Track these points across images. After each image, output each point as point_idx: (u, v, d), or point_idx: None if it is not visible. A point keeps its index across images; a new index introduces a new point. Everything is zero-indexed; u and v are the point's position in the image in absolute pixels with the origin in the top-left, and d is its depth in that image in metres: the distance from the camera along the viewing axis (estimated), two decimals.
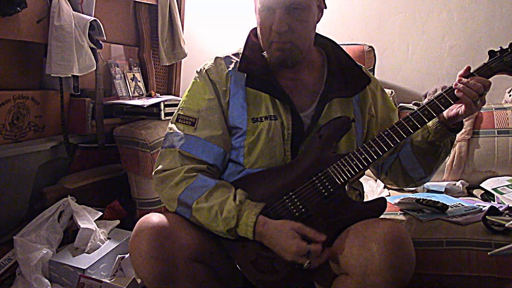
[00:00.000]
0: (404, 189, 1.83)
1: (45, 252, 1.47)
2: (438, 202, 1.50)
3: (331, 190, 1.11)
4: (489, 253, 1.26)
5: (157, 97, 2.08)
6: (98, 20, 1.66)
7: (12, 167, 1.60)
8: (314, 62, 1.27)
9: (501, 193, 1.65)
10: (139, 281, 1.43)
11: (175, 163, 1.15)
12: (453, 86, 1.13)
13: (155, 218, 1.06)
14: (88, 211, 1.64)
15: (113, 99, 1.96)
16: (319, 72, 1.27)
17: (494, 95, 2.11)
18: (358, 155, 1.12)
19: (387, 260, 0.95)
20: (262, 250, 1.08)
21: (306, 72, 1.25)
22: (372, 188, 1.80)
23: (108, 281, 1.42)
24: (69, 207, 1.61)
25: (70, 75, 1.63)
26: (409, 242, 0.99)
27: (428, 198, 1.54)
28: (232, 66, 1.23)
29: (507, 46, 1.16)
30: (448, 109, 1.14)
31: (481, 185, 1.78)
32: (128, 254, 1.30)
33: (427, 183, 1.83)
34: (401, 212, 1.52)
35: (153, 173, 1.19)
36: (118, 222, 1.72)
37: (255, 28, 1.26)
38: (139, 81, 2.14)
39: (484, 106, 1.91)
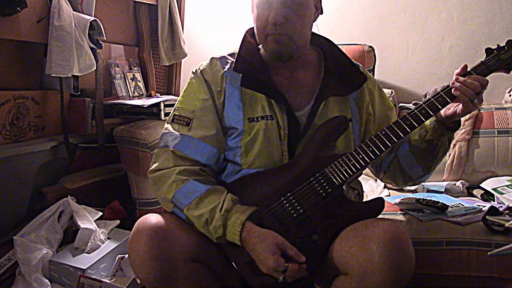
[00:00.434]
0: (404, 189, 1.83)
1: (45, 252, 1.47)
2: (438, 202, 1.50)
3: (329, 190, 1.11)
4: (489, 253, 1.26)
5: (157, 97, 2.08)
6: (98, 20, 1.66)
7: (12, 167, 1.61)
8: (311, 61, 1.27)
9: (501, 193, 1.65)
10: (139, 281, 1.43)
11: (168, 162, 1.16)
12: (450, 85, 1.12)
13: (154, 218, 1.06)
14: (88, 211, 1.64)
15: (113, 99, 1.96)
16: (315, 71, 1.27)
17: (494, 95, 2.11)
18: (356, 155, 1.12)
19: (387, 260, 0.95)
20: None
21: (302, 71, 1.25)
22: (372, 188, 1.80)
23: (108, 281, 1.42)
24: (69, 207, 1.61)
25: (70, 75, 1.63)
26: (409, 242, 0.99)
27: (428, 198, 1.54)
28: (227, 66, 1.24)
29: (505, 43, 1.16)
30: (445, 107, 1.14)
31: (481, 185, 1.78)
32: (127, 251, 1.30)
33: (427, 183, 1.83)
34: (401, 212, 1.52)
35: (148, 172, 1.19)
36: (118, 222, 1.72)
37: (251, 28, 1.27)
38: (139, 81, 2.15)
39: (484, 106, 1.92)
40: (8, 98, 1.54)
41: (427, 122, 1.17)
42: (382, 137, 1.12)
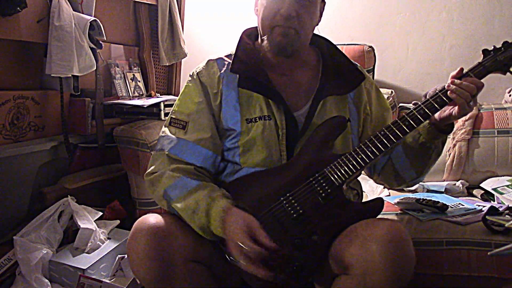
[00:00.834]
0: (404, 189, 1.83)
1: (45, 252, 1.47)
2: (438, 202, 1.50)
3: (328, 190, 1.11)
4: (489, 253, 1.26)
5: (157, 97, 2.08)
6: (98, 20, 1.66)
7: (12, 167, 1.61)
8: (309, 61, 1.28)
9: (501, 193, 1.65)
10: (138, 281, 1.43)
11: (163, 165, 1.16)
12: (445, 87, 1.12)
13: (152, 218, 1.06)
14: (88, 211, 1.64)
15: (113, 99, 1.96)
16: (313, 71, 1.27)
17: (494, 95, 2.11)
18: (355, 155, 1.12)
19: (387, 260, 0.95)
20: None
21: (300, 71, 1.25)
22: (372, 188, 1.80)
23: (108, 281, 1.42)
24: (69, 207, 1.61)
25: (70, 75, 1.63)
26: (409, 242, 0.99)
27: (428, 198, 1.54)
28: (224, 68, 1.24)
29: (501, 45, 1.16)
30: (440, 110, 1.14)
31: (481, 185, 1.78)
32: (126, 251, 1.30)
33: (427, 183, 1.83)
34: (401, 212, 1.52)
35: (144, 175, 1.20)
36: (118, 222, 1.72)
37: (248, 29, 1.28)
38: (139, 81, 2.15)
39: (484, 106, 1.92)
40: (8, 98, 1.54)
41: (421, 125, 1.17)
42: (381, 137, 1.12)
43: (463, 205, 1.56)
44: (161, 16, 2.08)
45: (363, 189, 1.41)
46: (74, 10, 1.62)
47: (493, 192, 1.69)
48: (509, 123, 1.86)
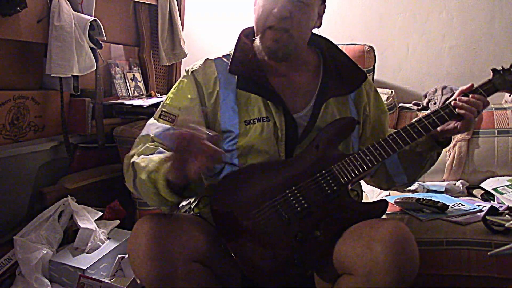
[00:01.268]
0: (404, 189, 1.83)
1: (45, 252, 1.47)
2: (438, 202, 1.51)
3: (334, 188, 1.11)
4: (489, 253, 1.27)
5: (157, 97, 2.09)
6: (98, 20, 1.66)
7: (12, 167, 1.61)
8: (309, 62, 1.27)
9: (501, 193, 1.65)
10: (139, 281, 1.43)
11: (146, 148, 1.13)
12: (452, 103, 1.15)
13: (153, 219, 1.05)
14: (88, 211, 1.64)
15: (113, 99, 1.96)
16: (314, 72, 1.26)
17: (494, 95, 2.10)
18: (363, 156, 1.12)
19: (392, 260, 0.95)
20: (250, 236, 1.09)
21: (300, 72, 1.24)
22: (372, 188, 1.80)
23: (108, 281, 1.42)
24: (69, 207, 1.61)
25: (70, 75, 1.63)
26: (413, 243, 0.99)
27: (428, 198, 1.54)
28: (222, 68, 1.22)
29: (509, 66, 1.19)
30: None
31: (481, 185, 1.78)
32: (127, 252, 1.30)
33: (427, 183, 1.83)
34: (401, 212, 1.52)
35: (124, 158, 1.16)
36: (118, 222, 1.72)
37: (246, 29, 1.26)
38: (139, 81, 2.15)
39: None
40: (8, 98, 1.54)
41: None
42: (390, 141, 1.13)
43: (463, 205, 1.56)
44: (161, 16, 2.08)
45: (363, 190, 1.41)
46: (74, 10, 1.62)
47: (493, 192, 1.69)
48: (509, 123, 1.86)
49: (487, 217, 1.37)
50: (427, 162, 1.25)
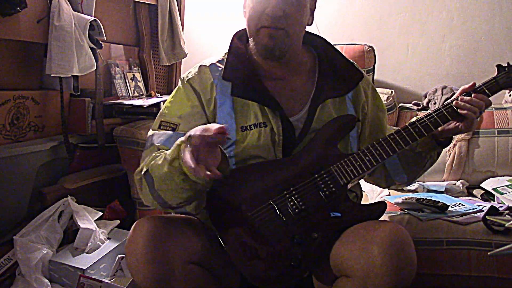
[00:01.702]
0: (404, 188, 1.83)
1: (45, 252, 1.47)
2: (439, 201, 1.51)
3: (333, 189, 1.10)
4: (489, 253, 1.27)
5: (157, 97, 2.09)
6: (98, 20, 1.66)
7: (12, 167, 1.61)
8: (304, 63, 1.24)
9: (501, 193, 1.65)
10: (134, 279, 1.43)
11: (153, 157, 1.10)
12: (454, 103, 1.12)
13: (150, 221, 1.05)
14: (88, 211, 1.64)
15: (113, 99, 1.96)
16: (309, 73, 1.24)
17: (494, 95, 2.10)
18: (362, 157, 1.11)
19: (389, 263, 0.94)
20: (247, 236, 1.09)
21: (295, 74, 1.22)
22: (372, 188, 1.80)
23: (108, 281, 1.42)
24: (69, 207, 1.61)
25: (70, 75, 1.63)
26: (411, 245, 0.99)
27: (428, 198, 1.54)
28: (217, 74, 1.19)
29: None
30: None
31: (481, 185, 1.78)
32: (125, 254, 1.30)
33: (427, 183, 1.83)
34: (402, 212, 1.52)
35: (134, 174, 1.15)
36: (118, 222, 1.72)
37: (239, 31, 1.24)
38: (139, 81, 2.14)
39: None
40: (8, 98, 1.54)
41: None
42: (390, 141, 1.11)
43: (463, 205, 1.56)
44: (161, 16, 2.08)
45: (363, 189, 1.41)
46: (74, 10, 1.62)
47: (493, 192, 1.69)
48: (509, 123, 1.86)
49: (487, 217, 1.37)
50: (427, 162, 1.24)
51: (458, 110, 1.11)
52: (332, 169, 1.11)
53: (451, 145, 1.88)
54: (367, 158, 1.10)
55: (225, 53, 1.23)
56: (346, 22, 2.37)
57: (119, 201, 1.84)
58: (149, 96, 2.12)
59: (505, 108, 1.91)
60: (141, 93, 2.12)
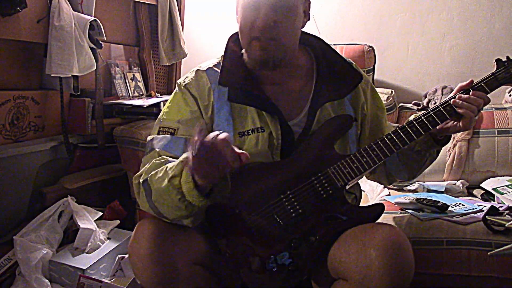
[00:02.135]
0: (404, 188, 1.83)
1: (45, 252, 1.47)
2: (439, 201, 1.50)
3: (330, 191, 1.10)
4: (489, 253, 1.26)
5: (157, 97, 2.09)
6: (98, 20, 1.67)
7: (12, 167, 1.61)
8: (301, 66, 1.21)
9: (501, 193, 1.65)
10: (141, 284, 1.43)
11: (154, 164, 1.08)
12: (452, 102, 1.10)
13: (154, 221, 1.04)
14: (88, 211, 1.64)
15: (113, 99, 1.96)
16: (306, 76, 1.21)
17: (494, 95, 2.08)
18: (360, 158, 1.09)
19: (386, 266, 0.94)
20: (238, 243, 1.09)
21: (292, 78, 1.19)
22: (372, 187, 1.80)
23: (108, 281, 1.42)
24: (69, 207, 1.61)
25: (70, 75, 1.63)
26: (408, 248, 0.98)
27: (428, 198, 1.54)
28: (214, 79, 1.17)
29: None
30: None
31: (481, 185, 1.78)
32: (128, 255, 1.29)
33: (427, 183, 1.83)
34: (402, 211, 1.52)
35: (133, 179, 1.12)
36: (118, 222, 1.72)
37: (234, 34, 1.21)
38: (139, 81, 2.15)
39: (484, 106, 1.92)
40: (8, 98, 1.54)
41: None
42: (388, 142, 1.10)
43: (463, 205, 1.56)
44: (161, 16, 2.08)
45: (363, 189, 1.41)
46: (74, 10, 1.62)
47: (493, 192, 1.69)
48: (509, 123, 1.86)
49: (487, 217, 1.37)
50: (427, 160, 1.23)
51: (456, 109, 1.09)
52: (329, 171, 1.10)
53: (451, 145, 1.88)
54: (364, 159, 1.09)
55: (221, 56, 1.21)
56: (346, 22, 2.37)
57: (119, 201, 1.84)
58: (149, 96, 2.12)
59: (505, 108, 1.91)
60: (141, 93, 2.12)
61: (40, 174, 1.71)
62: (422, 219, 1.43)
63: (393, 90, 2.10)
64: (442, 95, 2.08)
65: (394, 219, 1.46)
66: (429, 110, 1.11)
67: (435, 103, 2.07)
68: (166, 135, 1.13)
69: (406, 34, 2.30)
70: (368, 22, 2.34)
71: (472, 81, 1.13)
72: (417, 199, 1.53)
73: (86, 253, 1.52)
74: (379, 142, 1.10)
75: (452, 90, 2.04)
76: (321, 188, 1.10)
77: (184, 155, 0.99)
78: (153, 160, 1.08)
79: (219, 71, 1.17)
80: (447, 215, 1.46)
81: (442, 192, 1.77)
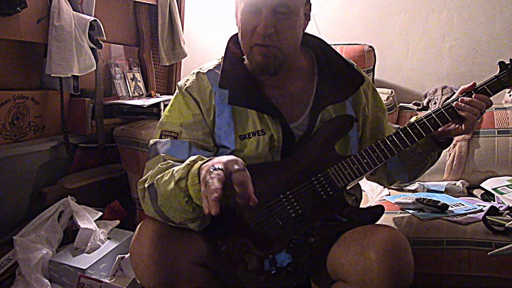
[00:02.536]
0: (404, 188, 1.83)
1: (45, 252, 1.47)
2: (439, 201, 1.50)
3: (330, 193, 1.10)
4: (489, 253, 1.26)
5: (157, 97, 2.09)
6: (98, 20, 1.67)
7: (12, 167, 1.61)
8: (302, 68, 1.20)
9: (501, 193, 1.65)
10: (142, 284, 1.43)
11: (159, 168, 1.06)
12: (454, 104, 1.10)
13: (156, 222, 1.04)
14: (88, 211, 1.64)
15: (113, 99, 1.96)
16: (307, 78, 1.20)
17: (494, 96, 2.10)
18: (360, 159, 1.09)
19: (386, 268, 0.94)
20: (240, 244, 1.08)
21: (293, 80, 1.18)
22: (372, 187, 1.80)
23: (108, 281, 1.42)
24: (69, 207, 1.61)
25: (70, 75, 1.63)
26: (408, 250, 0.98)
27: (428, 198, 1.54)
28: (215, 81, 1.15)
29: None
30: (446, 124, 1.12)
31: (481, 185, 1.78)
32: (128, 254, 1.29)
33: (427, 183, 1.83)
34: (402, 211, 1.52)
35: (138, 184, 1.11)
36: (118, 222, 1.72)
37: (234, 36, 1.20)
38: (139, 81, 2.15)
39: None
40: (8, 98, 1.54)
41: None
42: (389, 143, 1.09)
43: (463, 205, 1.56)
44: (161, 16, 2.08)
45: (363, 189, 1.41)
46: (74, 10, 1.62)
47: (493, 192, 1.69)
48: (509, 123, 1.86)
49: (487, 217, 1.37)
50: (428, 162, 1.23)
51: (459, 112, 1.09)
52: (330, 172, 1.10)
53: (451, 145, 1.88)
54: (365, 160, 1.09)
55: (222, 57, 1.20)
56: (346, 22, 2.37)
57: (119, 201, 1.84)
58: (149, 96, 2.12)
59: (505, 108, 1.91)
60: (141, 93, 2.12)
61: (40, 174, 1.71)
62: (422, 219, 1.43)
63: (393, 90, 2.11)
64: (442, 95, 2.08)
65: (394, 219, 1.46)
66: (430, 112, 1.11)
67: (435, 103, 2.07)
68: (169, 139, 1.12)
69: (406, 34, 2.30)
70: (368, 22, 2.34)
71: (474, 83, 1.12)
72: (417, 199, 1.53)
73: (86, 253, 1.52)
74: (380, 143, 1.10)
75: (452, 90, 2.05)
76: (321, 189, 1.10)
77: (191, 158, 0.98)
78: (158, 165, 1.06)
79: (219, 73, 1.16)
80: (447, 215, 1.46)
81: (442, 192, 1.77)
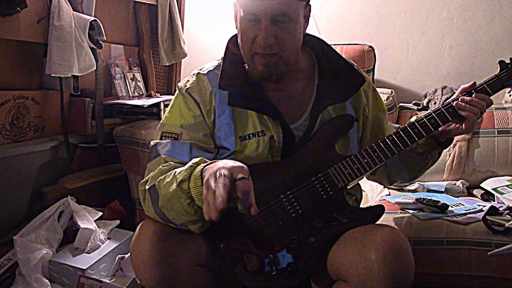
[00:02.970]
0: (404, 188, 1.83)
1: (45, 252, 1.47)
2: (439, 201, 1.50)
3: (330, 193, 1.09)
4: (489, 253, 1.26)
5: (157, 97, 2.09)
6: (98, 20, 1.67)
7: (12, 167, 1.61)
8: (302, 69, 1.20)
9: (501, 193, 1.65)
10: (142, 284, 1.43)
11: (160, 170, 1.06)
12: (454, 104, 1.09)
13: (156, 222, 1.04)
14: (88, 211, 1.64)
15: (113, 99, 1.96)
16: (308, 78, 1.20)
17: (494, 95, 2.10)
18: (361, 159, 1.09)
19: (386, 268, 0.94)
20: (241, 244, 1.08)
21: (294, 81, 1.18)
22: (372, 187, 1.80)
23: (108, 281, 1.42)
24: (69, 207, 1.61)
25: (70, 75, 1.63)
26: (408, 250, 0.97)
27: (428, 198, 1.54)
28: (215, 82, 1.15)
29: None
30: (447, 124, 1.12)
31: (481, 185, 1.78)
32: (129, 254, 1.29)
33: (427, 183, 1.83)
34: (402, 211, 1.52)
35: (139, 185, 1.11)
36: (118, 222, 1.72)
37: (234, 37, 1.19)
38: (139, 81, 2.15)
39: None
40: (8, 98, 1.54)
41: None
42: (389, 143, 1.09)
43: (463, 205, 1.56)
44: (161, 16, 2.08)
45: (363, 189, 1.41)
46: (74, 10, 1.62)
47: (493, 192, 1.69)
48: (509, 123, 1.86)
49: (487, 217, 1.37)
50: (428, 162, 1.23)
51: (459, 111, 1.09)
52: (330, 172, 1.10)
53: (451, 145, 1.88)
54: (365, 160, 1.09)
55: (222, 57, 1.20)
56: (346, 22, 2.37)
57: (119, 201, 1.84)
58: (149, 96, 2.12)
59: (505, 108, 1.91)
60: (141, 93, 2.12)
61: (40, 174, 1.71)
62: (422, 219, 1.43)
63: (393, 90, 2.11)
64: (442, 95, 2.08)
65: (394, 219, 1.46)
66: (431, 111, 1.11)
67: (435, 103, 2.07)
68: (169, 140, 1.12)
69: (406, 34, 2.30)
70: (368, 22, 2.35)
71: (475, 83, 1.12)
72: (417, 199, 1.53)
73: (86, 253, 1.52)
74: (380, 143, 1.10)
75: (452, 90, 2.05)
76: (321, 189, 1.10)
77: (193, 160, 0.98)
78: (160, 166, 1.06)
79: (219, 73, 1.16)
80: (447, 215, 1.46)
81: (442, 192, 1.77)
